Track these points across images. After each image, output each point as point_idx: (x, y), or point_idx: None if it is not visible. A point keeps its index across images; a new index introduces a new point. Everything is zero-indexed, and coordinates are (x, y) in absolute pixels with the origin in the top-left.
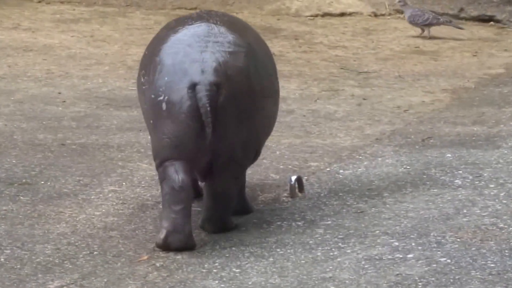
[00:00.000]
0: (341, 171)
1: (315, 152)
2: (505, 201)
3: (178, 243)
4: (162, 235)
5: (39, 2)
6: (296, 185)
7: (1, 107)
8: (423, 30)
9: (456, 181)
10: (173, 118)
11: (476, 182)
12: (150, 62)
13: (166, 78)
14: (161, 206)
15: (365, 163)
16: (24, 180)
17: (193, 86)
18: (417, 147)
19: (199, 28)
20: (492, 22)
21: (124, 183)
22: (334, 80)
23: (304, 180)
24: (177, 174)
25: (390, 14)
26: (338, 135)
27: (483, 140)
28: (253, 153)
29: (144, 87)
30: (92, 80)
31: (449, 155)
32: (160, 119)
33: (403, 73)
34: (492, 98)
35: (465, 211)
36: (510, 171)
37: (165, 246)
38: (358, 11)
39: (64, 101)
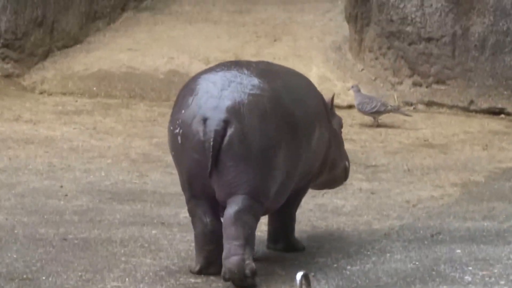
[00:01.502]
0: (348, 267)
1: (322, 247)
2: None
3: (215, 272)
4: (197, 268)
5: (41, 93)
6: (303, 281)
7: (2, 201)
8: (374, 118)
9: (466, 277)
10: (187, 152)
11: (487, 279)
12: (178, 95)
13: (183, 111)
14: None
15: (373, 258)
16: (25, 276)
17: (204, 121)
18: (426, 242)
19: (229, 70)
20: (502, 115)
21: (127, 279)
22: None
23: (311, 277)
24: (206, 217)
25: (399, 107)
26: (346, 230)
27: (493, 236)
28: (261, 200)
29: (169, 119)
30: (95, 173)
31: (459, 250)
32: (177, 152)
33: (412, 167)
34: (502, 193)
35: None
36: None
37: (202, 273)
38: None
39: (66, 195)
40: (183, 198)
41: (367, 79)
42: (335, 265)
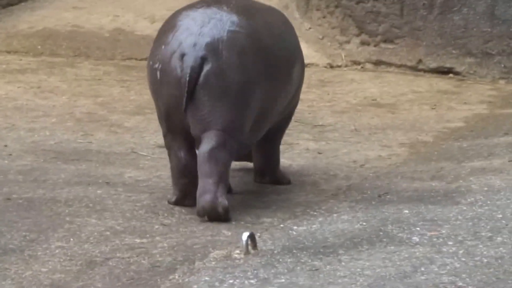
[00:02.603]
0: (295, 227)
1: (269, 207)
2: (464, 259)
3: (190, 204)
4: (173, 199)
5: None
6: (249, 242)
7: None
8: None
9: (414, 238)
10: (165, 87)
11: (434, 239)
12: (158, 32)
13: (162, 47)
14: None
15: (320, 219)
16: None
17: (181, 57)
18: (373, 203)
19: (209, 7)
20: (451, 74)
21: (71, 239)
22: (288, 134)
23: (257, 237)
24: (180, 151)
25: (346, 66)
26: (293, 190)
27: (441, 196)
28: (238, 136)
29: (149, 55)
30: (39, 132)
31: (407, 211)
32: (155, 87)
33: (359, 127)
34: (451, 153)
35: (423, 269)
36: (469, 228)
37: (178, 205)
38: (314, 62)
39: (10, 154)
40: (128, 158)
41: (315, 38)
42: (281, 225)
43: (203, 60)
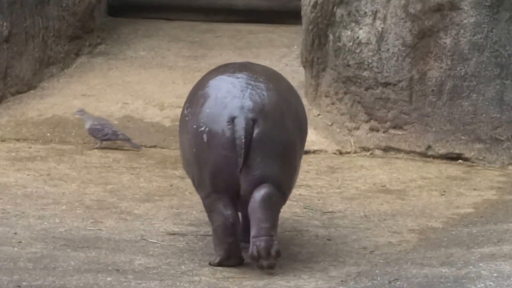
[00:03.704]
0: None
1: None
2: None
3: (233, 264)
4: (216, 260)
5: None
6: None
7: None
8: (101, 142)
9: None
10: (213, 149)
11: None
12: (195, 95)
13: (207, 110)
14: None
15: None
16: None
17: (232, 119)
18: None
19: (241, 73)
20: (460, 160)
21: None
22: (298, 220)
23: None
24: (226, 209)
25: (355, 152)
26: (302, 276)
27: (451, 282)
28: (284, 192)
29: (187, 118)
30: (49, 219)
31: None
32: (201, 150)
33: (369, 213)
34: (460, 239)
35: None
36: None
37: (222, 265)
38: (323, 149)
39: (20, 242)
40: (138, 245)
41: (324, 124)
42: None
43: (253, 122)
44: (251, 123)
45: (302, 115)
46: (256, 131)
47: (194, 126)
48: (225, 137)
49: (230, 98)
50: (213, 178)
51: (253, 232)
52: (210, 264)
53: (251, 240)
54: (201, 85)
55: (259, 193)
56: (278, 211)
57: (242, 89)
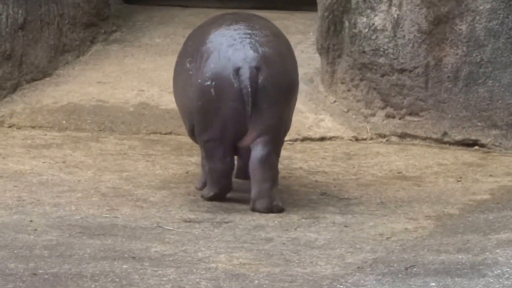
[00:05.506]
0: None
1: (295, 281)
2: None
3: (223, 200)
4: (210, 195)
5: (10, 127)
6: None
7: None
8: None
9: None
10: (222, 102)
11: None
12: (197, 50)
13: (212, 65)
14: None
15: None
16: None
17: (236, 71)
18: (400, 275)
19: (238, 24)
20: (476, 147)
21: None
22: (314, 207)
23: None
24: (226, 157)
25: (371, 139)
26: (319, 263)
27: (468, 269)
28: (284, 132)
29: (190, 72)
30: (65, 207)
31: (433, 284)
32: (209, 103)
33: (385, 200)
34: (477, 225)
35: None
36: None
37: (214, 200)
38: (339, 136)
39: (36, 229)
40: (154, 232)
41: (340, 111)
42: None
43: (257, 70)
44: (255, 72)
45: (295, 59)
46: (260, 78)
47: (199, 81)
48: (233, 89)
49: (232, 51)
50: (223, 128)
51: (253, 192)
52: (202, 197)
53: (252, 200)
54: (202, 40)
55: (258, 152)
56: (277, 164)
57: (241, 41)
